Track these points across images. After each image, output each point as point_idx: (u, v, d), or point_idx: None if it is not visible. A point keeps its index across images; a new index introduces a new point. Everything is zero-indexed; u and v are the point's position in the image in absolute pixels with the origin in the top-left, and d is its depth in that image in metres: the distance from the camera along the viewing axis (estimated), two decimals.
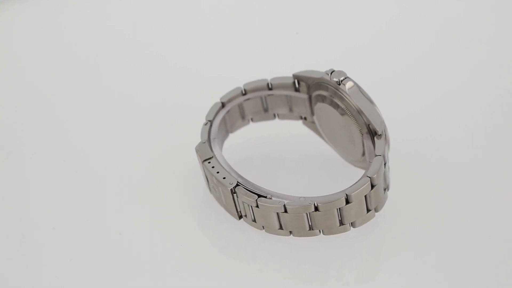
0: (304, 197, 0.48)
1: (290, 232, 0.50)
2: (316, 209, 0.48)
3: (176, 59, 0.68)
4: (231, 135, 0.56)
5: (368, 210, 0.50)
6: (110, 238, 0.53)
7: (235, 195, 0.50)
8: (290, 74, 0.55)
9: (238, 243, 0.52)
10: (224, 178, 0.50)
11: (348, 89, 0.50)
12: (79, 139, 0.61)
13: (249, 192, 0.49)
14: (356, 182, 0.48)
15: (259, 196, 0.49)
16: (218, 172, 0.50)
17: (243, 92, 0.55)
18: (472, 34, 0.67)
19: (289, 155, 0.58)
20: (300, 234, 0.50)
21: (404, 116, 0.59)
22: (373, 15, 0.71)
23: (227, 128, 0.56)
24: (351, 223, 0.50)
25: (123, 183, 0.57)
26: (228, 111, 0.55)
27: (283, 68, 0.60)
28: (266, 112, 0.56)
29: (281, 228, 0.50)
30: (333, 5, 0.72)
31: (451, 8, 0.70)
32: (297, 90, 0.55)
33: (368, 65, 0.65)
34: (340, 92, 0.51)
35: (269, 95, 0.55)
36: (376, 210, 0.50)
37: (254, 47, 0.68)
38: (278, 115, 0.57)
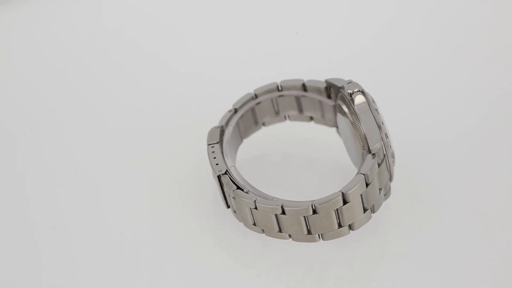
0: (276, 198, 0.49)
1: (263, 231, 0.50)
2: (283, 212, 0.48)
3: (174, 60, 0.67)
4: (264, 129, 0.57)
5: (339, 226, 0.49)
6: (111, 238, 0.53)
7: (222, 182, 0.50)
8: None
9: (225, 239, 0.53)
10: (216, 164, 0.51)
11: (356, 103, 0.50)
12: (78, 139, 0.61)
13: (231, 182, 0.50)
14: (329, 195, 0.48)
15: (238, 188, 0.50)
16: (214, 158, 0.51)
17: (279, 88, 0.55)
18: (473, 35, 0.67)
19: (316, 158, 0.57)
20: (270, 234, 0.50)
21: (404, 117, 0.59)
22: (374, 16, 0.71)
23: (257, 119, 0.56)
24: (321, 235, 0.50)
25: (124, 183, 0.57)
26: (259, 103, 0.55)
27: (283, 69, 0.61)
28: (301, 113, 0.56)
29: (254, 224, 0.50)
30: (334, 6, 0.72)
31: (451, 10, 0.70)
32: (329, 96, 0.54)
33: (369, 66, 0.65)
34: (351, 105, 0.51)
35: (303, 96, 0.55)
36: (351, 228, 0.50)
37: (254, 48, 0.68)
38: (313, 118, 0.56)
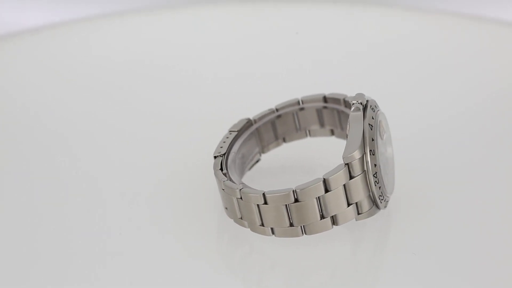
0: (243, 184, 0.48)
1: (231, 215, 0.50)
2: (241, 197, 0.48)
3: (176, 66, 0.69)
4: (309, 139, 0.56)
5: (291, 224, 0.47)
6: (111, 238, 0.53)
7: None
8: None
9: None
10: (221, 147, 0.52)
11: (350, 113, 0.48)
12: (82, 141, 0.62)
13: (219, 164, 0.51)
14: (281, 189, 0.47)
15: (221, 169, 0.50)
16: (224, 142, 0.53)
17: (325, 99, 0.55)
18: (474, 38, 0.68)
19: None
20: (235, 220, 0.50)
21: (406, 118, 0.59)
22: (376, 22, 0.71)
23: (300, 126, 0.55)
24: (272, 229, 0.48)
25: (126, 184, 0.57)
26: (302, 109, 0.55)
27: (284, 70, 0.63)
28: (342, 130, 0.55)
29: (226, 208, 0.50)
30: (335, 10, 0.72)
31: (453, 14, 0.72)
32: None
33: (370, 67, 0.66)
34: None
35: (342, 111, 0.54)
36: (305, 231, 0.47)
37: (256, 50, 0.69)
38: None
